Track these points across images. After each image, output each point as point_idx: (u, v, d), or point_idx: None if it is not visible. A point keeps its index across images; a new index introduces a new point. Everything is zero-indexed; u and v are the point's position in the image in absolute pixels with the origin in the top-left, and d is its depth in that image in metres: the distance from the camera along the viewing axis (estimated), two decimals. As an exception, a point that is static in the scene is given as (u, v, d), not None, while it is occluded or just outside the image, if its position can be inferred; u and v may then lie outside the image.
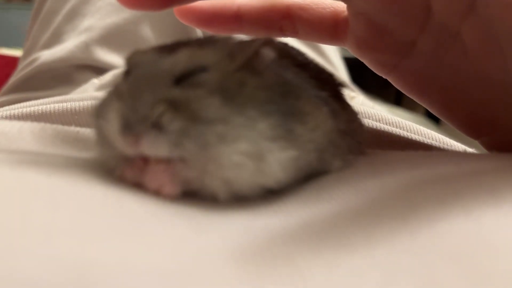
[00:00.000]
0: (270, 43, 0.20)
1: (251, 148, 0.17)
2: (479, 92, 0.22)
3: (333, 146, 0.21)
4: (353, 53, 0.27)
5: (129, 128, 0.17)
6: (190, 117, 0.17)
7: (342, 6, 0.26)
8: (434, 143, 0.29)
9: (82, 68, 0.57)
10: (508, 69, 0.21)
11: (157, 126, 0.17)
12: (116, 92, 0.18)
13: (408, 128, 0.31)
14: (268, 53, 0.20)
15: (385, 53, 0.25)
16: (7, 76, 0.64)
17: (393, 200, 0.16)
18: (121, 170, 0.18)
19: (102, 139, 0.19)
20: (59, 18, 0.58)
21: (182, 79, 0.18)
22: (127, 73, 0.19)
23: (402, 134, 0.30)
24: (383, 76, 0.26)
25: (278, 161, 0.18)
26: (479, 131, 0.23)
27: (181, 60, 0.18)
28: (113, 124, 0.18)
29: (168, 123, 0.17)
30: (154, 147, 0.17)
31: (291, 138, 0.18)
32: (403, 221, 0.14)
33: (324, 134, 0.20)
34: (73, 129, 0.24)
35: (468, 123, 0.25)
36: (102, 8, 0.57)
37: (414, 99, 0.26)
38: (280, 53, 0.21)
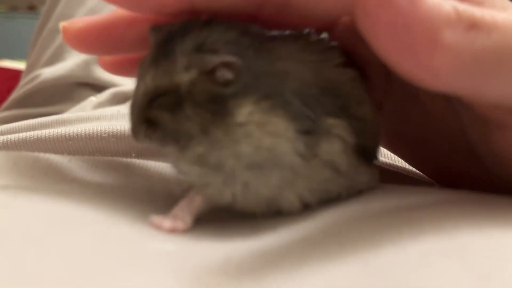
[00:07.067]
0: (230, 63, 0.17)
1: None
2: (445, 149, 0.23)
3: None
4: None
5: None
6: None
7: None
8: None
9: (82, 86, 0.58)
10: (467, 132, 0.21)
11: (146, 135, 0.19)
12: None
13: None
14: (224, 74, 0.17)
15: None
16: (9, 90, 0.65)
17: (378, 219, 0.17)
18: None
19: None
20: (61, 36, 0.59)
21: (153, 100, 0.19)
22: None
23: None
24: None
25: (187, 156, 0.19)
26: (450, 183, 0.24)
27: (148, 85, 0.19)
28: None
29: (150, 135, 0.19)
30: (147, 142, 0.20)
31: (208, 137, 0.18)
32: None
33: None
34: (65, 158, 0.24)
35: (438, 175, 0.25)
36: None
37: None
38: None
